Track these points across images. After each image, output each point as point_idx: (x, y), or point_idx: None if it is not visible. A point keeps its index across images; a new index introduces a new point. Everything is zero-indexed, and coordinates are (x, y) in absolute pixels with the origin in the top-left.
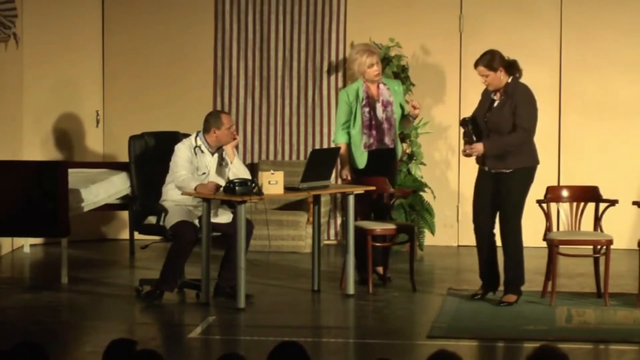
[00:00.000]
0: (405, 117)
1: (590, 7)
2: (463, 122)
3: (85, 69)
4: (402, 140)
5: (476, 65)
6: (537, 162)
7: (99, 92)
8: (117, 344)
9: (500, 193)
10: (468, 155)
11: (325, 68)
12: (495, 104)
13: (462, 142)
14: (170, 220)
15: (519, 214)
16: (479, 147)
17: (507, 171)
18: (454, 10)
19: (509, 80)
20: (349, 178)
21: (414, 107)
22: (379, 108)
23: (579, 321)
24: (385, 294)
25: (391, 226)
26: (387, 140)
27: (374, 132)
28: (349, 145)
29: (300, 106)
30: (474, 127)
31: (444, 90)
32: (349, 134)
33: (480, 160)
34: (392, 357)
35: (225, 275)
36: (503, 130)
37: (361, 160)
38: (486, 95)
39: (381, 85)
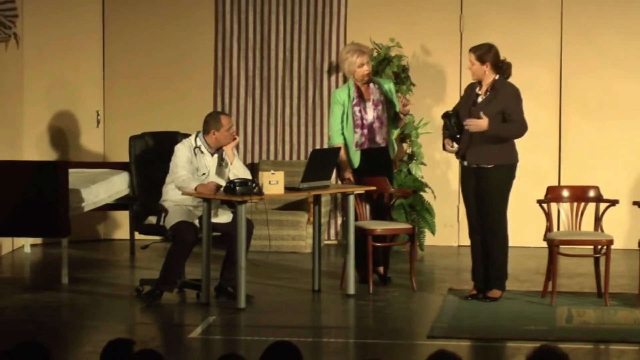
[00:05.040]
0: (396, 116)
1: (590, 7)
2: (445, 115)
3: (85, 69)
4: (403, 140)
5: (469, 51)
6: (517, 159)
7: (99, 92)
8: (115, 344)
9: (482, 190)
10: (450, 150)
11: (325, 68)
12: (479, 99)
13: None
14: (170, 221)
15: (502, 210)
16: (484, 122)
17: (488, 167)
18: (454, 10)
19: (496, 78)
20: (352, 179)
21: (404, 105)
22: (369, 107)
23: (579, 321)
24: (385, 294)
25: (391, 226)
26: (379, 139)
27: (365, 131)
28: (345, 145)
29: (301, 106)
30: (456, 121)
31: (444, 90)
32: (344, 134)
33: (461, 155)
34: (392, 357)
35: (226, 275)
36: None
37: (355, 160)
38: (470, 90)
39: (371, 85)
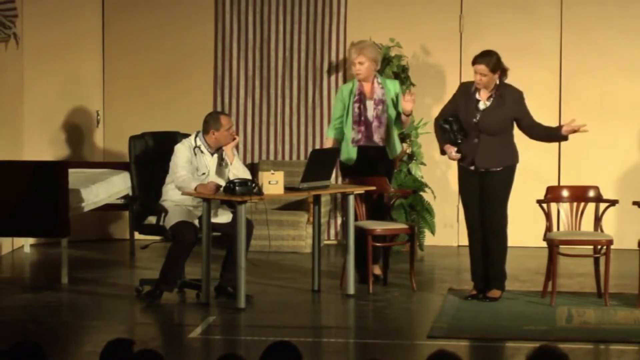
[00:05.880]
0: (399, 116)
1: (590, 7)
2: (446, 122)
3: (85, 69)
4: (402, 140)
5: (477, 62)
6: (518, 160)
7: (99, 92)
8: (115, 344)
9: (487, 190)
10: (453, 157)
11: (325, 68)
12: (482, 104)
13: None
14: (170, 221)
15: (505, 210)
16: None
17: (497, 169)
18: (454, 10)
19: (497, 82)
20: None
21: (405, 101)
22: (369, 105)
23: (579, 321)
24: (385, 294)
25: (391, 226)
26: (376, 138)
27: (362, 129)
28: (339, 141)
29: (300, 106)
30: (459, 127)
31: (444, 90)
32: (340, 130)
33: (469, 159)
34: (392, 357)
35: (226, 275)
36: (496, 131)
37: (352, 156)
38: (465, 92)
39: (376, 84)
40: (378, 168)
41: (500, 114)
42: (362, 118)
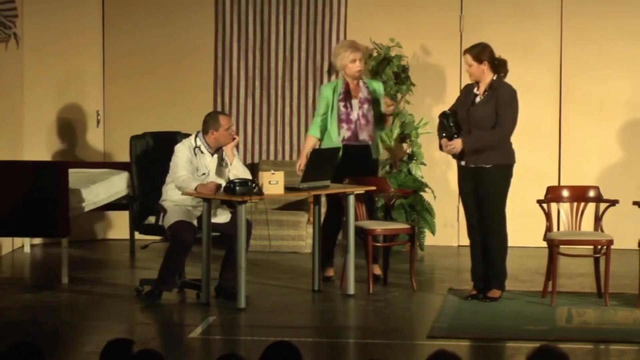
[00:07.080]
0: (382, 117)
1: (590, 7)
2: (443, 115)
3: (85, 69)
4: (403, 140)
5: (465, 54)
6: (514, 160)
7: (99, 92)
8: (115, 344)
9: (481, 189)
10: (448, 152)
11: (325, 68)
12: (478, 99)
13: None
14: (168, 220)
15: (501, 209)
16: (458, 143)
17: (487, 166)
18: (454, 10)
19: (494, 77)
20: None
21: (387, 105)
22: (355, 104)
23: (579, 321)
24: (385, 294)
25: (391, 226)
26: (364, 136)
27: (352, 126)
28: (320, 140)
29: (301, 106)
30: (454, 121)
31: (444, 90)
32: (322, 129)
33: (459, 155)
34: (392, 357)
35: (226, 275)
36: (485, 125)
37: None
38: (468, 90)
39: (361, 83)
40: (361, 167)
41: (488, 108)
42: (350, 117)
